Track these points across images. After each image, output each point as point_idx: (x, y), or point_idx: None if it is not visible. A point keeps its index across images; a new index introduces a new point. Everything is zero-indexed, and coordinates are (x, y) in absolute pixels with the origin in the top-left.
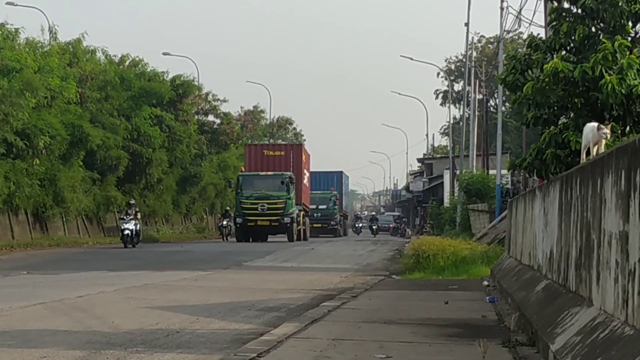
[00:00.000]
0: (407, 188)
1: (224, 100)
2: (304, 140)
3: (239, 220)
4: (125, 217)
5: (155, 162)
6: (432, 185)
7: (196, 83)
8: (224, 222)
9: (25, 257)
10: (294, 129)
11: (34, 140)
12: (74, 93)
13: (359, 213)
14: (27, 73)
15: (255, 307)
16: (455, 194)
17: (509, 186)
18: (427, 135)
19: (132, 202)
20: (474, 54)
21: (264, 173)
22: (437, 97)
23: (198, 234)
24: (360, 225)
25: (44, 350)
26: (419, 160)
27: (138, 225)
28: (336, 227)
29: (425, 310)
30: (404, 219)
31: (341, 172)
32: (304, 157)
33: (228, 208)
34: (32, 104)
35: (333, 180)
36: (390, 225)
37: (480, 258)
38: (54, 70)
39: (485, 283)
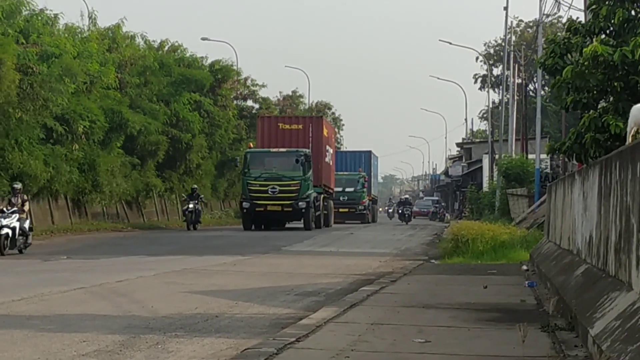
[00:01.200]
0: (446, 173)
1: (263, 85)
2: (343, 125)
3: (245, 204)
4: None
5: (194, 148)
6: (471, 169)
7: (235, 68)
8: (190, 206)
9: (65, 242)
10: (333, 113)
11: (73, 125)
12: (113, 78)
13: (392, 197)
14: (66, 58)
15: (294, 292)
16: (494, 179)
17: (548, 170)
18: (466, 119)
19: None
20: (513, 38)
21: (275, 150)
22: (476, 82)
23: (237, 218)
24: (392, 210)
25: (84, 335)
26: (457, 144)
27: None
28: (364, 212)
29: (464, 295)
30: (442, 204)
31: (370, 152)
32: (325, 131)
33: (196, 186)
34: (71, 89)
35: (361, 161)
36: (429, 210)
37: (519, 242)
38: (93, 56)
39: (524, 267)
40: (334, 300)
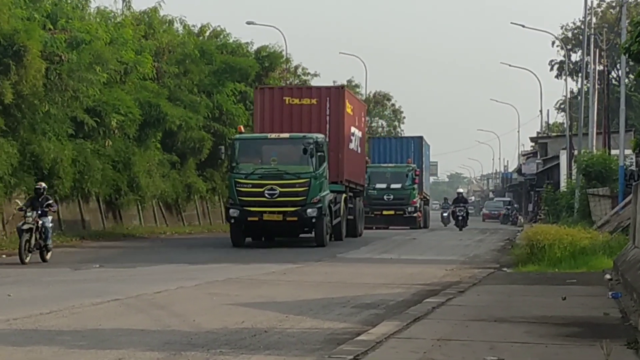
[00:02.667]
0: (518, 170)
1: (315, 74)
2: (403, 117)
3: (233, 212)
4: None
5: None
6: (547, 167)
7: (284, 55)
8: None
9: (98, 248)
10: (392, 105)
11: (106, 119)
12: (149, 68)
13: (447, 197)
14: (97, 45)
15: (350, 304)
16: (573, 177)
17: (633, 168)
18: (540, 111)
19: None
20: (594, 20)
21: (274, 136)
22: (552, 69)
23: None
24: (448, 214)
25: (119, 352)
26: (532, 139)
27: None
28: (414, 214)
29: (540, 307)
30: (515, 205)
31: (421, 138)
32: (349, 107)
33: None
34: (103, 80)
35: (409, 149)
36: (500, 212)
37: (602, 249)
38: (127, 43)
39: (608, 277)
40: (395, 314)
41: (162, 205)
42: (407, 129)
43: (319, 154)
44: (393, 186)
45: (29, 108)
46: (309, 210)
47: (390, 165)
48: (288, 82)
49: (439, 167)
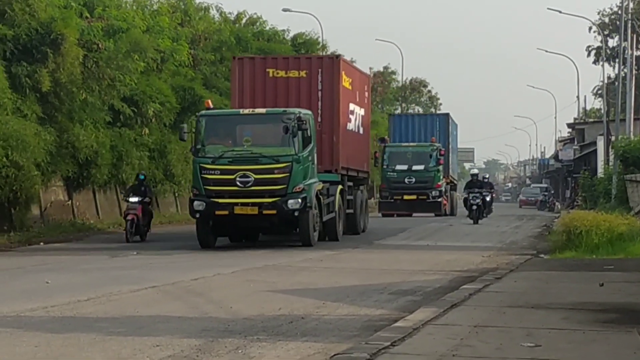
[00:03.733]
0: (555, 157)
1: (352, 61)
2: (440, 104)
3: (198, 204)
4: None
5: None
6: (584, 153)
7: (320, 42)
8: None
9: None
10: (429, 91)
11: (143, 107)
12: (186, 55)
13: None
14: (134, 33)
15: (387, 290)
16: (610, 163)
17: None
18: (577, 97)
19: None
20: (631, 5)
21: (247, 111)
22: (589, 55)
23: None
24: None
25: (157, 339)
26: (568, 125)
27: None
28: (439, 199)
29: (577, 294)
30: (552, 191)
31: (447, 115)
32: (347, 80)
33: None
34: (140, 68)
35: (434, 127)
36: (537, 199)
37: None
38: (164, 31)
39: None
40: (432, 300)
41: None
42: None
43: (303, 133)
44: (415, 168)
45: (66, 96)
46: (290, 202)
47: (411, 144)
48: None
49: (475, 153)
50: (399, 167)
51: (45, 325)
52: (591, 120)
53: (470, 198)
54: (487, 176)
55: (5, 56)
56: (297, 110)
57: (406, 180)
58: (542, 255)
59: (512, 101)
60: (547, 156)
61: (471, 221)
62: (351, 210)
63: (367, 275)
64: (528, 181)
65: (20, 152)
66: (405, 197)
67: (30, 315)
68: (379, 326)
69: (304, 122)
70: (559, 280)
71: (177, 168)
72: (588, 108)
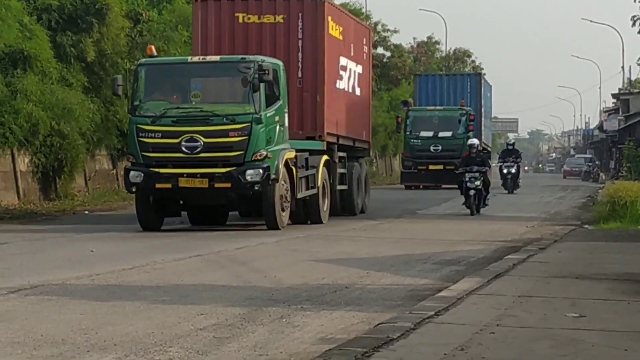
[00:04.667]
0: (600, 127)
1: (395, 31)
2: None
3: (134, 176)
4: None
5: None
6: (629, 123)
7: (363, 12)
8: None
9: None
10: (473, 61)
11: None
12: None
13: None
14: (179, 4)
15: (431, 260)
16: None
17: None
18: (622, 67)
19: (512, 141)
20: None
21: (197, 59)
22: (634, 24)
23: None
24: (508, 170)
25: (201, 307)
26: (613, 95)
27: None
28: None
29: (622, 264)
30: (596, 162)
31: (479, 76)
32: (335, 29)
33: (513, 140)
34: (184, 38)
35: (464, 89)
36: (581, 169)
37: None
38: None
39: None
40: (476, 270)
41: None
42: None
43: (267, 86)
44: (442, 134)
45: (111, 66)
46: (248, 172)
47: (438, 108)
48: None
49: (519, 123)
50: (423, 133)
51: (91, 293)
52: (636, 90)
53: (504, 166)
54: (511, 141)
55: (51, 26)
56: (259, 57)
57: (432, 148)
58: (586, 226)
59: (556, 71)
60: (591, 127)
61: (505, 191)
62: (344, 187)
63: (411, 245)
64: (572, 152)
65: (65, 121)
66: (431, 167)
67: (76, 284)
68: (422, 296)
69: (267, 71)
70: (603, 250)
71: None
72: (633, 78)
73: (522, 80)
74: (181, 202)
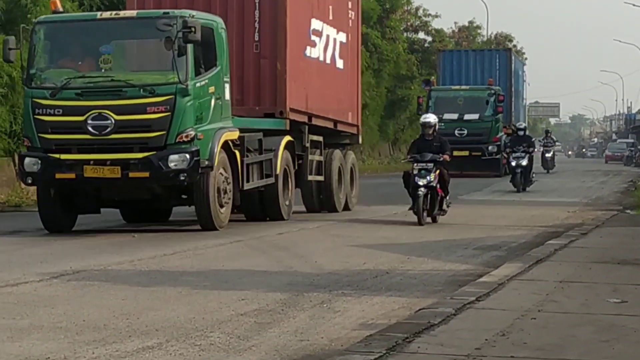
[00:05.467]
0: None
1: (436, 16)
2: (525, 59)
3: (30, 164)
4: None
5: (362, 87)
6: None
7: None
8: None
9: None
10: (514, 46)
11: None
12: None
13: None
14: None
15: (472, 246)
16: None
17: None
18: None
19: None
20: None
21: (108, 15)
22: None
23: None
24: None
25: (242, 293)
26: None
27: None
28: (497, 156)
29: None
30: (638, 147)
31: (509, 52)
32: None
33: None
34: None
35: (492, 66)
36: (623, 154)
37: None
38: None
39: None
40: (517, 255)
41: None
42: (530, 71)
43: (196, 49)
44: (467, 117)
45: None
46: (172, 159)
47: (463, 87)
48: (409, 23)
49: (561, 108)
50: (447, 116)
51: (132, 278)
52: None
53: (511, 158)
54: (521, 125)
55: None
56: (187, 12)
57: (456, 132)
58: (628, 211)
59: (598, 55)
60: (633, 111)
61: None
62: (320, 178)
63: (452, 230)
64: (614, 136)
65: None
66: (455, 153)
67: (118, 269)
68: (463, 281)
69: (193, 29)
70: None
71: None
72: None
73: (563, 65)
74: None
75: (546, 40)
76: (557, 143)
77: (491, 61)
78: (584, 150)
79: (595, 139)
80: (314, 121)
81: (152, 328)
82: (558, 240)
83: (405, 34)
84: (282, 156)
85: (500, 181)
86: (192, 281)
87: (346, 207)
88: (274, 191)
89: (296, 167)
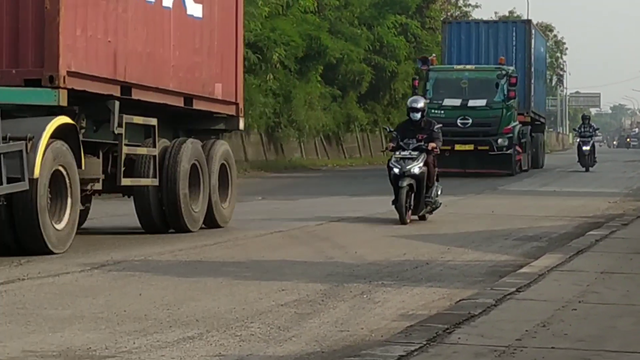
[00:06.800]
0: None
1: (476, 6)
2: (566, 49)
3: None
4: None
5: (400, 76)
6: None
7: None
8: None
9: (260, 181)
10: (555, 36)
11: (267, 53)
12: (311, 1)
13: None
14: None
15: (512, 236)
16: None
17: None
18: None
19: (587, 115)
20: None
21: None
22: None
23: None
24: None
25: (282, 283)
26: None
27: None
28: (508, 151)
29: None
30: None
31: (528, 23)
32: None
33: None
34: (264, 13)
35: (507, 42)
36: None
37: None
38: None
39: None
40: (557, 246)
41: (323, 138)
42: (570, 61)
43: None
44: (472, 103)
45: None
46: None
47: (468, 67)
48: (449, 13)
49: (601, 98)
50: (448, 101)
51: (173, 269)
52: None
53: (584, 136)
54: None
55: None
56: None
57: (459, 122)
58: None
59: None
60: None
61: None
62: (153, 182)
63: (492, 221)
64: None
65: None
66: (457, 147)
67: (158, 259)
68: (504, 272)
69: None
70: None
71: (303, 112)
72: None
73: (604, 55)
74: None
75: (587, 29)
76: (597, 132)
77: (506, 35)
78: (628, 139)
79: (637, 129)
80: (136, 94)
81: (192, 318)
82: (599, 230)
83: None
84: (42, 150)
85: (540, 172)
86: (233, 271)
87: (213, 223)
88: (25, 201)
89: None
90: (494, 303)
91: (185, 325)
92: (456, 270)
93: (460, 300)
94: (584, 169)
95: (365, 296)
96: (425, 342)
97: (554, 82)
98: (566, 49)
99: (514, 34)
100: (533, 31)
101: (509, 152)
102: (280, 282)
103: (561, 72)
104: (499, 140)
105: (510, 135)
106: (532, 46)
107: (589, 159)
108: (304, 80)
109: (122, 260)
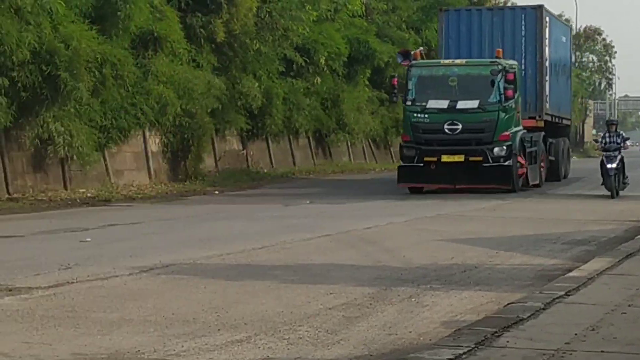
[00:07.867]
0: None
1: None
2: (615, 52)
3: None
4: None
5: None
6: None
7: None
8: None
9: (308, 184)
10: (604, 39)
11: (315, 56)
12: (358, 5)
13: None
14: None
15: (560, 240)
16: None
17: None
18: None
19: (614, 120)
20: None
21: None
22: None
23: None
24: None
25: (330, 287)
26: None
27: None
28: (506, 162)
29: None
30: None
31: (539, 9)
32: None
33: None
34: (313, 17)
35: (515, 32)
36: None
37: None
38: None
39: None
40: (607, 250)
41: (371, 142)
42: (619, 65)
43: None
44: (462, 105)
45: (240, 47)
46: None
47: (457, 62)
48: None
49: None
50: (433, 103)
51: (221, 272)
52: None
53: (610, 143)
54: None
55: (180, 7)
56: None
57: (446, 127)
58: None
59: None
60: None
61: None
62: None
63: (540, 225)
64: None
65: (193, 101)
66: (445, 157)
67: (207, 263)
68: (552, 276)
69: None
70: None
71: (350, 117)
72: None
73: None
74: None
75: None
76: (627, 142)
77: (514, 24)
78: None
79: None
80: None
81: (240, 322)
82: None
83: None
84: None
85: (589, 176)
86: (281, 275)
87: None
88: None
89: None
90: (543, 307)
91: (234, 328)
92: (504, 274)
93: (508, 304)
94: (609, 194)
95: (413, 300)
96: (473, 346)
97: (602, 86)
98: (615, 52)
99: (522, 22)
100: (547, 18)
101: (507, 163)
102: (328, 286)
103: (610, 76)
104: (495, 150)
105: (509, 143)
106: (546, 36)
107: (616, 180)
108: (352, 84)
109: (171, 264)
